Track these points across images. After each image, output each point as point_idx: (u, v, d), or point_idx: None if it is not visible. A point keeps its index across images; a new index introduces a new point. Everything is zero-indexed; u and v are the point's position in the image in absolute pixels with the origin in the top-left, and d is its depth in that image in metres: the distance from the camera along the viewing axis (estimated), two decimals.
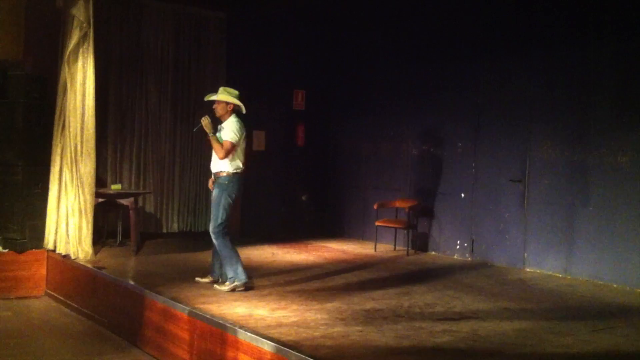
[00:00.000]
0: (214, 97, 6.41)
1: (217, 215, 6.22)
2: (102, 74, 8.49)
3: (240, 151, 6.30)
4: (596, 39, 7.26)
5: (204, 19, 9.83)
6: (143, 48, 9.30)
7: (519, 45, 7.98)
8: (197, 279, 6.58)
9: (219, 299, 5.85)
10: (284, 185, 10.75)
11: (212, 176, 6.40)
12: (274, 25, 10.15)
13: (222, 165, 6.28)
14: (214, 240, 6.29)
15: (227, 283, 6.23)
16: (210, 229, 6.28)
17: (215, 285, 6.33)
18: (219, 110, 6.37)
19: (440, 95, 9.00)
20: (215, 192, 6.28)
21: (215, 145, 6.23)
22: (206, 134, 6.29)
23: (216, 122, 6.42)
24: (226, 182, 6.25)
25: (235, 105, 6.35)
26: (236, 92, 6.38)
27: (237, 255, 6.28)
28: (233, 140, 6.20)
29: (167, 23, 9.49)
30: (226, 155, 6.20)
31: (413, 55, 9.38)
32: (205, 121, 6.27)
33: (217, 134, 6.28)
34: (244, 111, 6.41)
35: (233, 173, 6.26)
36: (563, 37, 7.58)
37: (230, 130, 6.24)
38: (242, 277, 6.20)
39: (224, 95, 6.34)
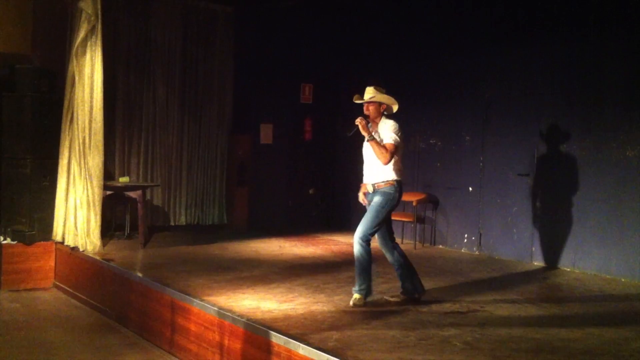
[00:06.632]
0: (367, 98, 5.63)
1: (372, 223, 5.51)
2: (109, 67, 8.50)
3: (400, 155, 5.59)
4: (606, 32, 7.22)
5: (212, 12, 9.82)
6: (151, 42, 9.31)
7: (528, 37, 7.94)
8: (386, 298, 5.87)
9: (227, 292, 5.86)
10: (291, 178, 10.76)
11: (370, 187, 5.63)
12: (281, 19, 10.13)
13: (386, 173, 5.54)
14: (357, 247, 5.54)
15: (358, 296, 5.56)
16: (358, 234, 5.51)
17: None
18: (372, 111, 5.63)
19: (448, 88, 8.98)
20: (378, 199, 5.52)
21: (377, 149, 5.46)
22: (363, 137, 5.56)
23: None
24: (392, 191, 5.52)
25: (386, 106, 5.69)
26: (384, 90, 5.68)
27: (371, 268, 5.63)
28: (396, 143, 5.48)
29: (175, 17, 9.49)
30: (391, 159, 5.47)
31: (420, 48, 9.34)
32: (362, 123, 5.49)
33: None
34: (395, 110, 5.74)
35: (398, 181, 5.56)
36: (573, 30, 7.53)
37: (389, 131, 5.52)
38: (369, 293, 5.65)
39: (381, 95, 5.61)
